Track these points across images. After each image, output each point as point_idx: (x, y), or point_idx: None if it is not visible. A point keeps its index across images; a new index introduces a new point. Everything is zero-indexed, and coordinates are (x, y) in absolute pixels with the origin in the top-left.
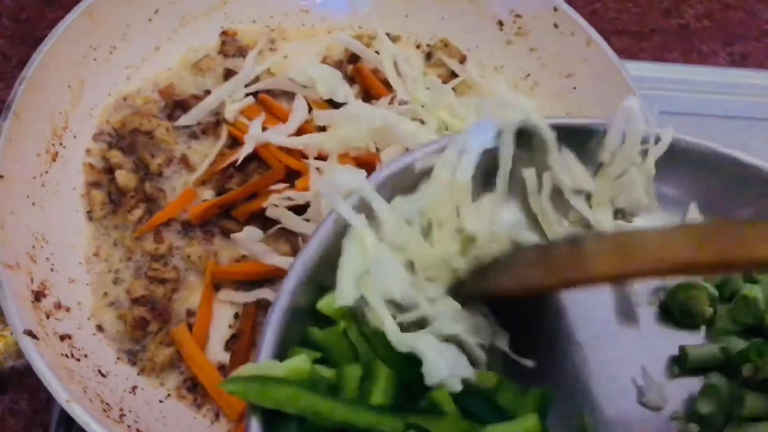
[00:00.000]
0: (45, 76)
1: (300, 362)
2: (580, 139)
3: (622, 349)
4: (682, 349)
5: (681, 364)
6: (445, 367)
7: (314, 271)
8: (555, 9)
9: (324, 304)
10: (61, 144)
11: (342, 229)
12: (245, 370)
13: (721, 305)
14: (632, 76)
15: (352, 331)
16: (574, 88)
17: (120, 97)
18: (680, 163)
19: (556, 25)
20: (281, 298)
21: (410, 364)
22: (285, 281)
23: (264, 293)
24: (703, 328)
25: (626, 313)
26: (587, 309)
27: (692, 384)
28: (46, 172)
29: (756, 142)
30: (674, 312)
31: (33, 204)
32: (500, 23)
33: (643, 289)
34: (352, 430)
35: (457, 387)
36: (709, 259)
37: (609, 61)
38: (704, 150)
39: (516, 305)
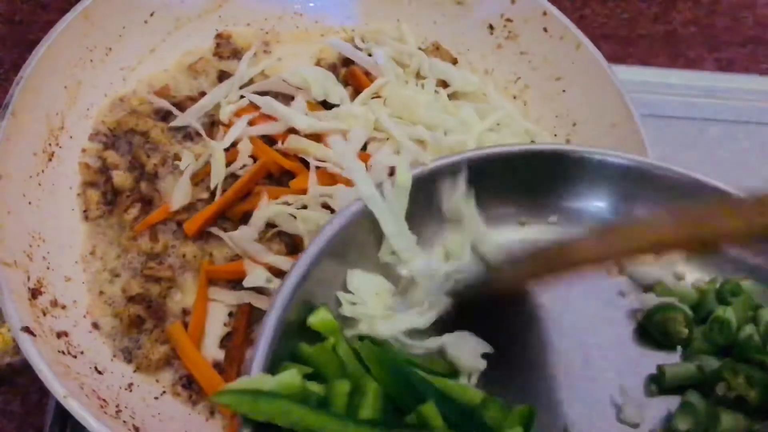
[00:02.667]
0: (42, 76)
1: (291, 377)
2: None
3: (602, 368)
4: (659, 368)
5: (659, 383)
6: (467, 348)
7: (304, 288)
8: (544, 13)
9: (314, 320)
10: (57, 144)
11: (331, 249)
12: (237, 383)
13: (697, 326)
14: (620, 79)
15: (341, 346)
16: (564, 90)
17: (116, 98)
18: (654, 187)
19: (545, 29)
20: (272, 313)
21: (399, 379)
22: (276, 297)
23: (251, 296)
24: (680, 348)
25: (605, 333)
26: (568, 330)
27: (670, 402)
28: (43, 171)
29: (741, 144)
30: (652, 332)
31: (30, 203)
32: (491, 27)
33: (621, 311)
34: None
35: (482, 364)
36: (684, 235)
37: (597, 64)
38: (676, 175)
39: (498, 326)
